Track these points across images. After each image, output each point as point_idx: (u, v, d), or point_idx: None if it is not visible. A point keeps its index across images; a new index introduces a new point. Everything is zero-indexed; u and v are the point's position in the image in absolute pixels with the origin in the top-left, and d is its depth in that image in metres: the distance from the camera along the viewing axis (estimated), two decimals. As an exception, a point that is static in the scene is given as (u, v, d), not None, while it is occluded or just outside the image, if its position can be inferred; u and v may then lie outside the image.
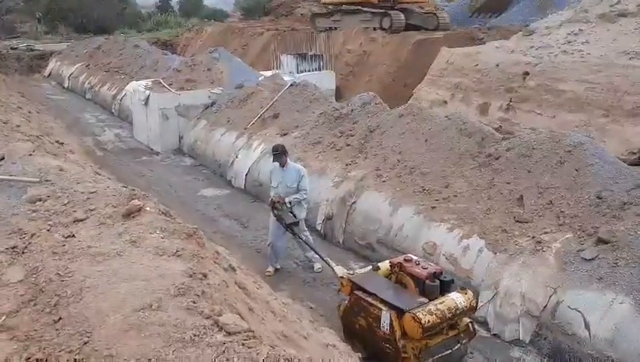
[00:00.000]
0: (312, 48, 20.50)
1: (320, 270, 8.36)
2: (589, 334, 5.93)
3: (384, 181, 9.20)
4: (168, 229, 3.43)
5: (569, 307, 6.20)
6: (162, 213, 3.76)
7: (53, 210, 3.84)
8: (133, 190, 4.00)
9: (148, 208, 3.67)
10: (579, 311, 6.10)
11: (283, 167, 8.12)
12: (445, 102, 15.14)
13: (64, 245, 3.27)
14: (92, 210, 3.76)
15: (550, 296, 6.38)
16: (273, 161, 8.19)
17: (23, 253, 3.22)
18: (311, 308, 7.39)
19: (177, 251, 3.18)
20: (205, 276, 2.99)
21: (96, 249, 3.18)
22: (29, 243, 3.29)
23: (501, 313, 6.75)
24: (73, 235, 3.42)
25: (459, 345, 5.96)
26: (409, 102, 16.47)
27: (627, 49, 12.85)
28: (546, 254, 6.72)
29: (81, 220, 3.65)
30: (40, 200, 4.00)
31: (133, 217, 3.59)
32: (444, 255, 7.63)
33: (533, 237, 7.02)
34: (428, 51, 19.49)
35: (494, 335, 6.78)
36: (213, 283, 3.01)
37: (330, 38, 19.83)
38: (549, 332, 6.31)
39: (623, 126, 11.32)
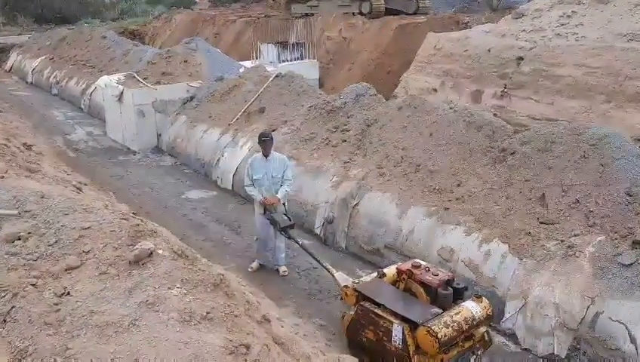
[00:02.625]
0: (290, 36, 19.64)
1: (286, 273, 7.87)
2: (636, 349, 5.43)
3: (388, 180, 8.56)
4: (191, 281, 2.71)
5: (610, 319, 5.68)
6: (178, 254, 3.02)
7: (37, 252, 3.07)
8: (138, 224, 3.25)
9: (160, 251, 2.93)
10: (622, 324, 5.59)
11: (267, 156, 7.62)
12: (435, 89, 14.54)
13: (58, 309, 2.53)
14: (87, 253, 3.01)
15: (588, 307, 5.85)
16: (263, 147, 7.64)
17: (5, 322, 2.47)
18: (321, 325, 6.75)
19: (208, 313, 2.48)
20: (248, 348, 2.30)
21: (102, 316, 2.45)
22: (12, 307, 2.54)
23: (532, 325, 6.20)
24: (68, 293, 2.68)
25: (474, 356, 5.46)
26: (396, 90, 15.88)
27: (623, 31, 12.41)
28: (580, 260, 6.18)
29: (75, 268, 2.90)
30: (19, 238, 3.22)
31: (144, 264, 2.87)
32: (462, 261, 7.05)
33: (562, 241, 6.48)
34: (411, 36, 18.88)
35: (525, 349, 6.26)
36: (255, 353, 2.32)
37: (309, 25, 19.02)
38: (588, 347, 5.79)
39: (627, 112, 10.89)
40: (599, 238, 6.33)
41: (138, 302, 2.56)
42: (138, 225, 3.23)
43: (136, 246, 2.95)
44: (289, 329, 4.03)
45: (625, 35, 12.13)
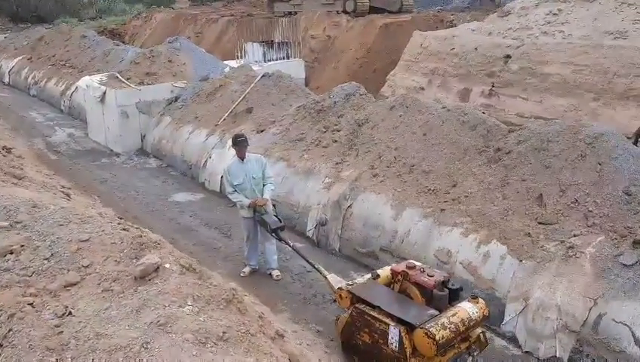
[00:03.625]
0: (274, 35, 19.38)
1: (279, 278, 7.69)
2: (641, 351, 5.36)
3: (382, 181, 8.42)
4: (202, 297, 2.53)
5: (614, 320, 5.61)
6: (186, 268, 2.83)
7: (32, 267, 2.86)
8: (140, 236, 3.04)
9: (167, 265, 2.74)
10: (626, 325, 5.52)
11: (243, 159, 7.48)
12: (422, 88, 14.47)
13: (61, 332, 2.32)
14: (87, 268, 2.80)
15: (590, 308, 5.77)
16: (238, 149, 7.48)
17: (2, 347, 2.26)
18: (318, 331, 6.59)
19: (224, 333, 2.30)
20: (269, 371, 2.13)
21: (110, 339, 2.24)
22: (9, 330, 2.33)
23: (534, 328, 6.11)
24: (70, 312, 2.47)
25: (470, 358, 5.37)
26: (383, 89, 15.78)
27: (610, 29, 12.45)
28: (581, 260, 6.10)
29: (75, 284, 2.69)
30: (12, 252, 3.00)
31: (150, 280, 2.67)
32: (460, 263, 6.94)
33: (562, 242, 6.40)
34: (396, 35, 18.79)
35: (527, 352, 6.16)
36: (277, 375, 2.16)
37: (293, 24, 18.81)
38: (591, 349, 5.72)
39: (615, 110, 10.91)
40: (599, 238, 6.26)
41: (148, 322, 2.36)
42: (140, 236, 3.02)
43: (142, 261, 2.75)
44: (294, 339, 3.86)
45: (612, 33, 12.17)
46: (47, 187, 5.34)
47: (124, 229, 3.16)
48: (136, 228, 3.58)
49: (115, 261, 2.87)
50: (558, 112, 11.55)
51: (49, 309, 2.53)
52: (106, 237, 3.06)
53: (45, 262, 2.93)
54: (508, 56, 13.07)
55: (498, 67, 13.12)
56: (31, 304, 2.55)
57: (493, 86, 12.99)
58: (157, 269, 2.73)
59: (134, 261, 2.83)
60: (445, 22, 18.52)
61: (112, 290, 2.65)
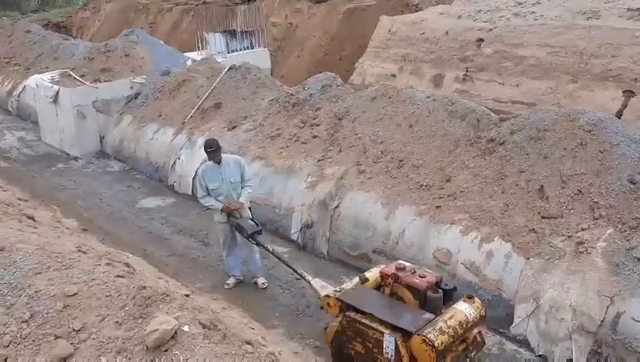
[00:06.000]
0: (234, 24, 18.57)
1: (265, 285, 7.25)
2: (665, 350, 5.09)
3: (369, 178, 7.97)
4: (239, 372, 1.99)
5: (633, 319, 5.33)
6: (208, 328, 2.27)
7: (7, 334, 2.25)
8: (144, 287, 2.43)
9: (186, 327, 2.17)
10: (647, 324, 5.24)
11: (219, 163, 6.97)
12: (394, 75, 14.01)
13: None
14: (79, 332, 2.20)
15: (607, 307, 5.48)
16: (210, 159, 6.99)
17: None
18: (316, 347, 6.11)
19: None
20: None
21: None
22: None
23: (547, 330, 5.79)
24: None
25: (467, 359, 5.04)
26: (352, 77, 15.25)
27: (582, 9, 12.26)
28: (592, 256, 5.79)
29: (68, 358, 2.11)
30: (-22, 314, 2.38)
31: (166, 350, 2.09)
32: (462, 264, 6.56)
33: (570, 236, 6.09)
34: (360, 20, 18.26)
35: (540, 356, 5.84)
36: None
37: (254, 11, 18.04)
38: (610, 351, 5.43)
39: (594, 91, 10.72)
40: (608, 231, 5.97)
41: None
42: (144, 287, 2.41)
43: (153, 325, 2.16)
44: None
45: (584, 13, 11.98)
46: (7, 211, 4.63)
47: (119, 276, 2.54)
48: (126, 264, 2.97)
49: (116, 322, 2.27)
50: (536, 95, 11.32)
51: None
52: (97, 289, 2.45)
53: (24, 325, 2.32)
54: (480, 40, 12.75)
55: (471, 51, 12.78)
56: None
57: (467, 71, 12.65)
58: (174, 336, 2.15)
59: (140, 322, 2.25)
60: (410, 5, 18.09)
61: (118, 367, 2.08)
